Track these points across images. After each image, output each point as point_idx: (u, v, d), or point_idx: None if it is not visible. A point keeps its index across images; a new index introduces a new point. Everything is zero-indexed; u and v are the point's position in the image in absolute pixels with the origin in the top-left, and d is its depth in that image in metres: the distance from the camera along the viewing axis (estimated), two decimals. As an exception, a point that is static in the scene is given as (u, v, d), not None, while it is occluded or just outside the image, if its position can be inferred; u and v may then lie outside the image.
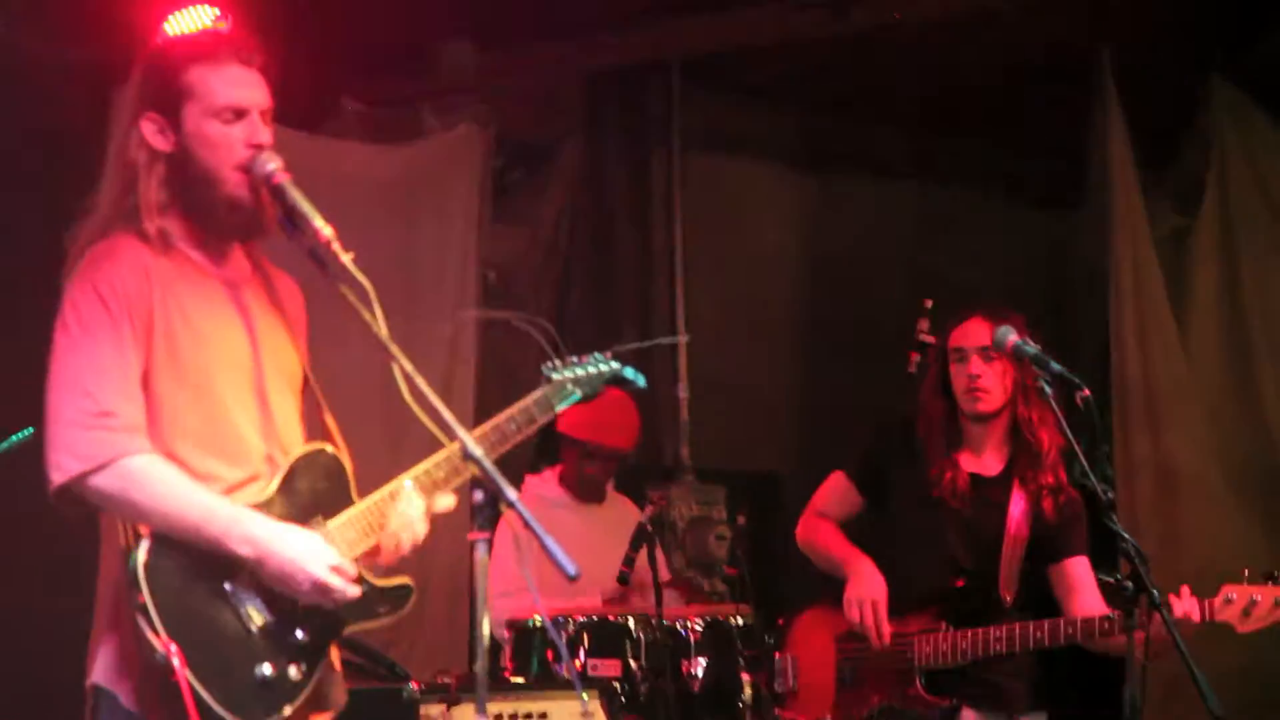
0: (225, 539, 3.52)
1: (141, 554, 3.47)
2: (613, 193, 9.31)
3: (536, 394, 4.06)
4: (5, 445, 5.51)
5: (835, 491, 5.85)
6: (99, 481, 3.48)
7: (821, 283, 9.74)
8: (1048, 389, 4.72)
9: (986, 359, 5.46)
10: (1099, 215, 8.25)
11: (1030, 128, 9.43)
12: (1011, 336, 4.88)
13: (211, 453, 3.67)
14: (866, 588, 5.48)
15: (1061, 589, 5.52)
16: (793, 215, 9.87)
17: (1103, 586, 5.41)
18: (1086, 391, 4.51)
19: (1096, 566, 5.45)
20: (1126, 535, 4.41)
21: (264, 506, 3.64)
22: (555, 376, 4.10)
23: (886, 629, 5.43)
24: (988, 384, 5.47)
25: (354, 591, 3.61)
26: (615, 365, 4.18)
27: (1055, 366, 4.68)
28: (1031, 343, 4.84)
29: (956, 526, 5.51)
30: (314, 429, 3.89)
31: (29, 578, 6.42)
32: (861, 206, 9.87)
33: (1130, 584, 4.61)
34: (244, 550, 3.53)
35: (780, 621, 5.82)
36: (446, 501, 3.81)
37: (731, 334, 9.40)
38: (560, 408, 4.08)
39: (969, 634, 5.32)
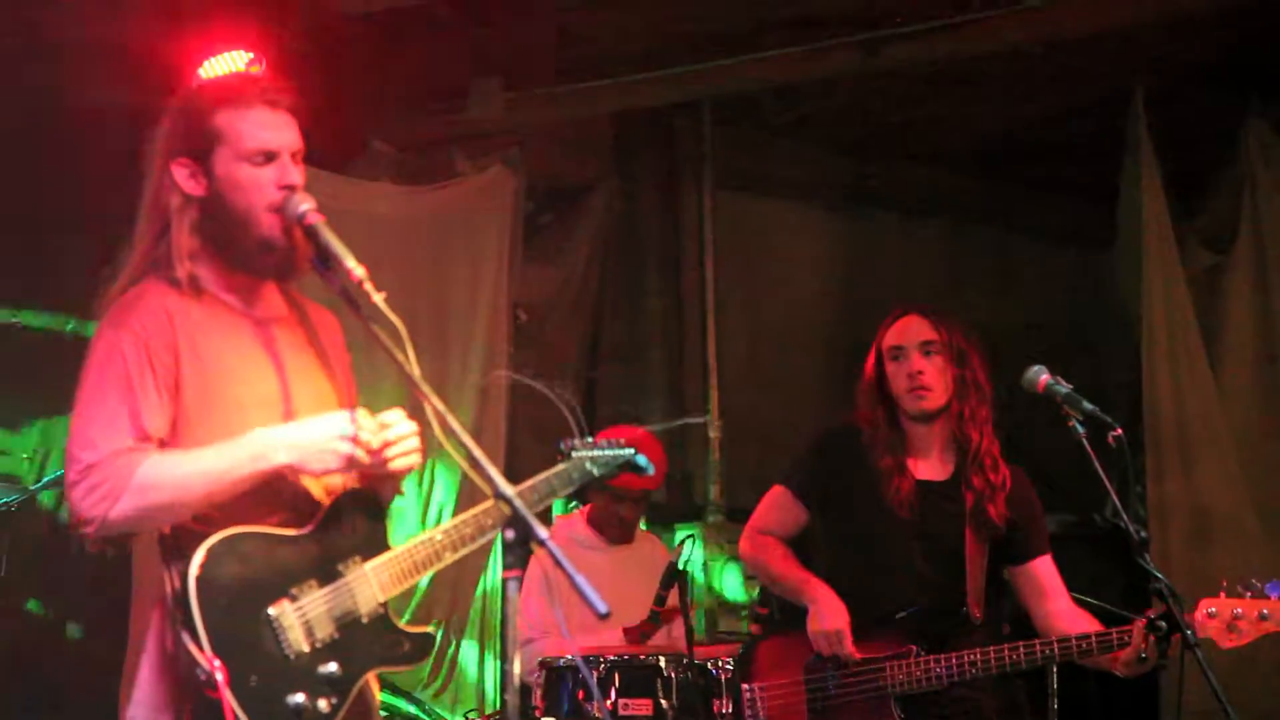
0: (260, 461, 3.59)
1: (195, 568, 3.50)
2: (643, 233, 9.33)
3: (558, 469, 4.10)
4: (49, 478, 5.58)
5: (776, 507, 5.58)
6: (122, 509, 3.53)
7: (853, 322, 9.73)
8: (1079, 429, 4.67)
9: (926, 354, 5.32)
10: (1131, 254, 8.25)
11: (1062, 166, 9.44)
12: (1043, 376, 4.83)
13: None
14: (828, 618, 5.22)
15: (1030, 592, 5.35)
16: (823, 254, 9.89)
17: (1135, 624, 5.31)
18: (1119, 430, 4.49)
19: (1129, 606, 5.38)
20: (1160, 575, 4.39)
21: (305, 538, 3.67)
22: (575, 455, 4.15)
23: (851, 655, 5.18)
24: (930, 380, 5.29)
25: (376, 444, 3.68)
26: (630, 452, 4.23)
27: (1087, 406, 4.66)
28: (1063, 381, 4.80)
29: (914, 538, 5.29)
30: None
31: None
32: (892, 245, 9.89)
33: (1164, 624, 4.59)
34: (282, 457, 3.60)
35: (739, 653, 5.61)
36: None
37: (762, 373, 9.40)
38: (578, 485, 4.15)
39: (943, 659, 5.10)
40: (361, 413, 3.71)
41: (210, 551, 3.53)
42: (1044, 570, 5.35)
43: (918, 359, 5.32)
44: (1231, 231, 8.31)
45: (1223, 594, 4.82)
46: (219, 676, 3.41)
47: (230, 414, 3.69)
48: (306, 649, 3.59)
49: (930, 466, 5.39)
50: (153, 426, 3.60)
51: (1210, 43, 7.97)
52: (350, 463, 3.66)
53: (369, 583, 3.71)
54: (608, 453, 4.20)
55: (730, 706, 5.64)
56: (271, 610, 3.57)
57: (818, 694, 5.30)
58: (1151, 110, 8.05)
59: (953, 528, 5.29)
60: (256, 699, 3.49)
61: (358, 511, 3.79)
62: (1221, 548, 7.93)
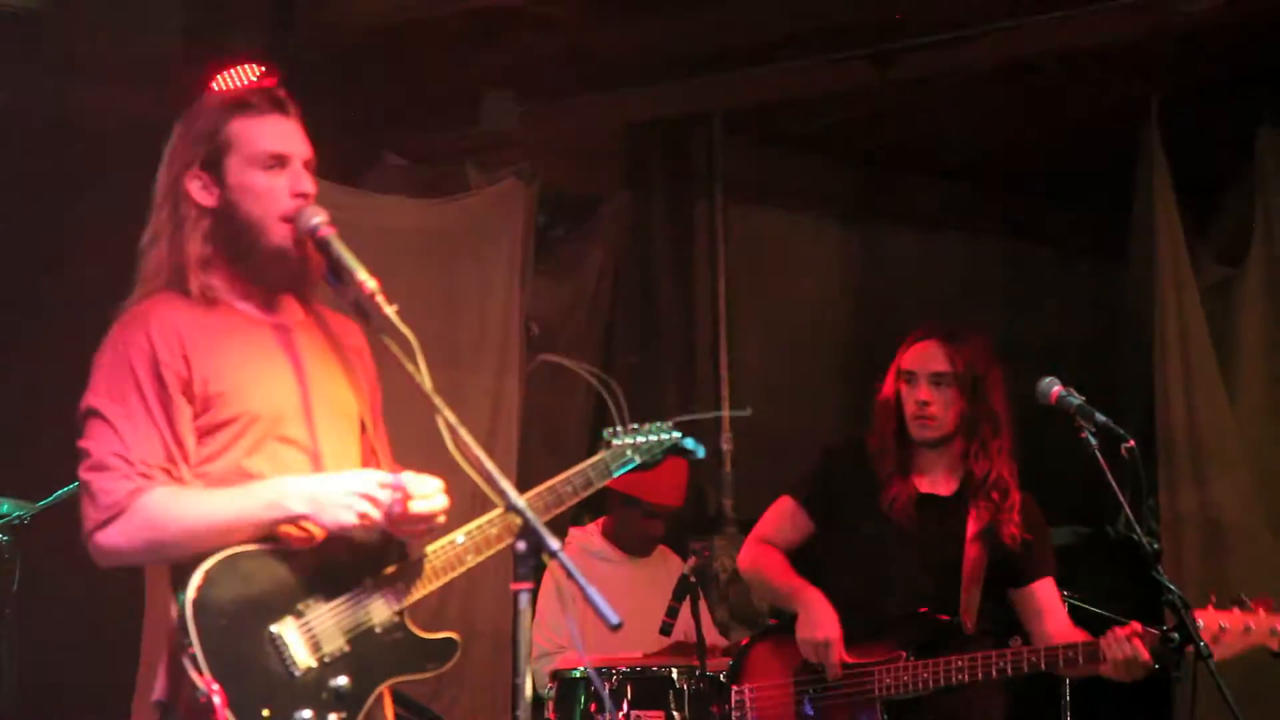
0: (273, 510, 3.56)
1: (191, 591, 3.48)
2: (656, 245, 9.33)
3: (595, 459, 4.05)
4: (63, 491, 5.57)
5: (782, 516, 5.67)
6: (122, 532, 3.51)
7: (866, 334, 9.73)
8: (1092, 440, 4.67)
9: (936, 385, 5.34)
10: (1144, 266, 8.24)
11: (1074, 179, 9.44)
12: (1055, 388, 4.83)
13: None
14: (819, 625, 5.29)
15: (1029, 612, 5.38)
16: (836, 267, 9.88)
17: (1149, 638, 5.32)
18: (1131, 443, 4.49)
19: (1141, 617, 5.38)
20: (1172, 587, 4.39)
21: (317, 549, 3.64)
22: (616, 442, 4.09)
23: (843, 661, 5.25)
24: (936, 411, 5.34)
25: (399, 509, 3.61)
26: (676, 435, 4.15)
27: (1100, 417, 4.66)
28: (1075, 393, 4.80)
29: (913, 550, 5.36)
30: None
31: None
32: (905, 258, 9.88)
33: (1176, 635, 4.59)
34: (297, 508, 3.56)
35: (731, 659, 5.66)
36: None
37: (775, 386, 9.39)
38: (618, 474, 4.08)
39: (929, 664, 5.16)
40: (385, 473, 3.67)
41: (207, 574, 3.51)
42: (1044, 593, 5.38)
43: (926, 389, 5.36)
44: (1244, 244, 8.29)
45: (1210, 607, 4.83)
46: (216, 700, 3.38)
47: (249, 419, 3.67)
48: (314, 664, 3.57)
49: (934, 482, 5.44)
50: (153, 452, 3.57)
51: (1224, 54, 7.95)
52: (366, 521, 3.61)
53: (384, 593, 3.69)
54: (653, 438, 4.12)
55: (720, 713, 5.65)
56: (273, 628, 3.55)
57: (805, 699, 5.34)
58: (1165, 122, 8.04)
59: (952, 541, 5.33)
60: (260, 718, 3.47)
61: None
62: (1234, 560, 7.92)
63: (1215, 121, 8.37)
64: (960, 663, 5.12)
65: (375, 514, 3.60)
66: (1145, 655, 4.84)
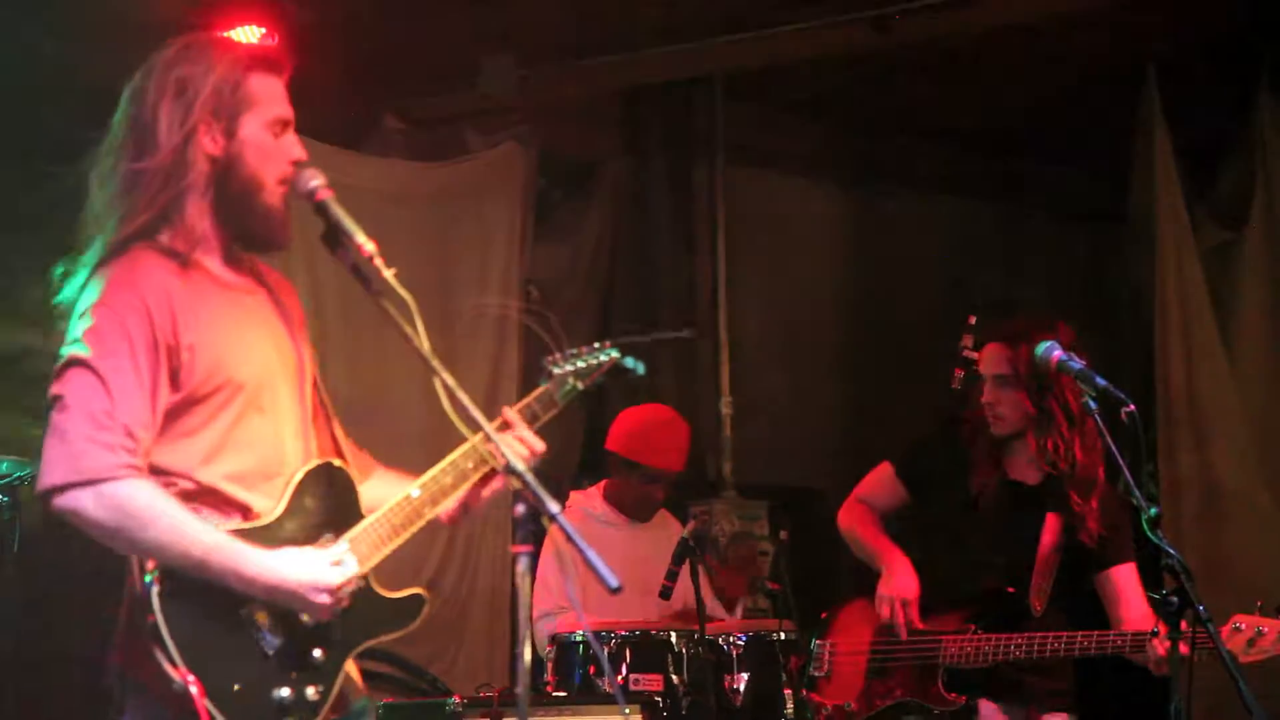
0: (231, 576, 3.47)
1: (155, 585, 3.43)
2: (655, 209, 9.33)
3: (539, 391, 3.96)
4: None
5: (881, 482, 5.91)
6: (91, 505, 3.42)
7: (864, 298, 9.74)
8: (1093, 405, 4.67)
9: (1001, 386, 5.51)
10: (1143, 230, 8.24)
11: (1073, 142, 9.42)
12: (1056, 353, 4.83)
13: (260, 474, 3.66)
14: (898, 585, 5.59)
15: (1107, 598, 5.56)
16: (835, 231, 9.88)
17: (1149, 602, 5.41)
18: (1132, 407, 4.47)
19: (1142, 582, 5.44)
20: (1172, 551, 4.38)
21: (274, 524, 3.59)
22: (557, 371, 4.00)
23: (914, 624, 5.55)
24: (1002, 411, 5.51)
25: (353, 571, 3.58)
26: (614, 354, 4.06)
27: (1100, 381, 4.65)
28: (1076, 358, 4.79)
29: (991, 533, 5.58)
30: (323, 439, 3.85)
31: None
32: (904, 222, 9.88)
33: (1175, 599, 4.59)
34: (255, 585, 3.48)
35: (824, 615, 5.90)
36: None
37: (774, 350, 9.40)
38: (563, 403, 3.99)
39: (991, 637, 5.42)
40: (330, 551, 3.60)
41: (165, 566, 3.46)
42: (1123, 578, 5.54)
43: (991, 389, 5.54)
44: (1244, 207, 8.29)
45: (1257, 613, 5.02)
46: (193, 690, 3.36)
47: (233, 389, 3.62)
48: (285, 641, 3.55)
49: (1020, 469, 5.62)
50: (137, 418, 3.48)
51: (1222, 16, 7.93)
52: (323, 614, 3.56)
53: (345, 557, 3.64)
54: (592, 360, 4.03)
55: (741, 683, 5.81)
56: (242, 610, 3.51)
57: (878, 657, 5.64)
58: (1163, 85, 8.03)
59: (1029, 528, 5.53)
60: (238, 702, 3.45)
61: (323, 487, 3.70)
62: (1233, 524, 7.94)
63: (1215, 84, 8.35)
64: (1018, 640, 5.36)
65: (334, 608, 3.55)
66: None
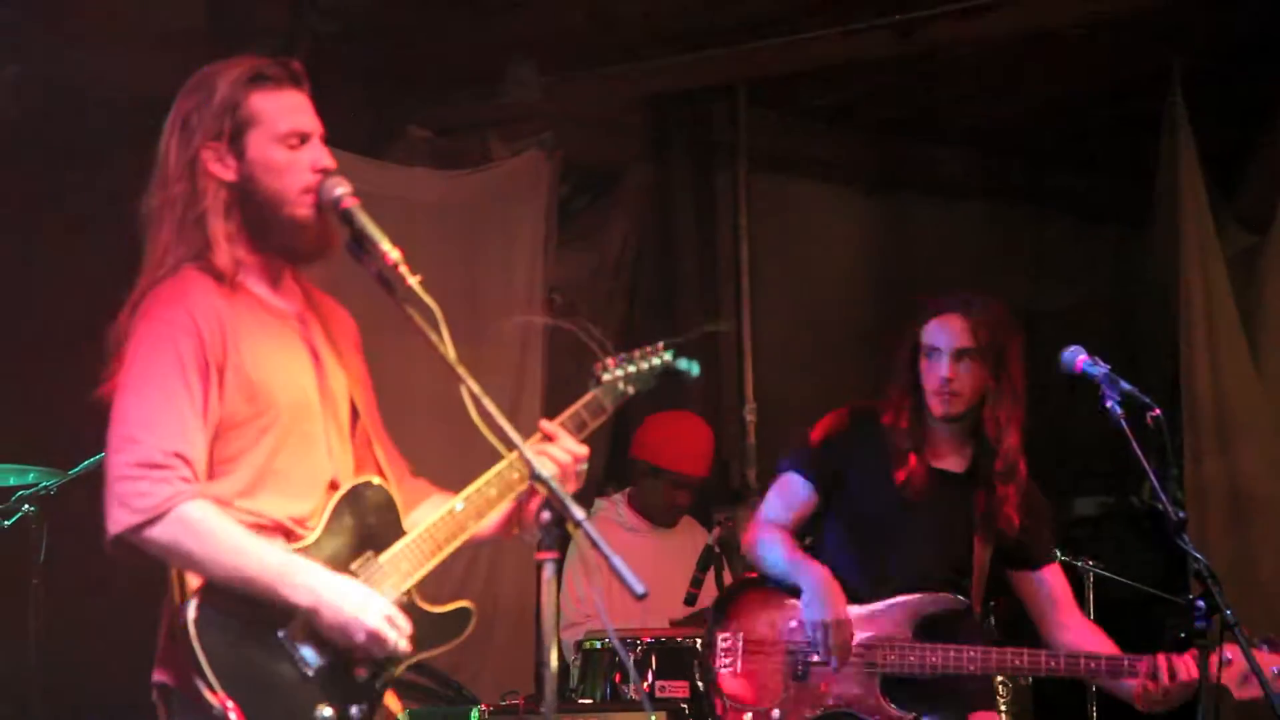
0: (280, 587, 3.48)
1: (191, 611, 3.44)
2: (678, 216, 9.33)
3: (588, 397, 3.89)
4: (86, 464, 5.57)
5: (787, 494, 5.43)
6: (153, 533, 3.43)
7: (888, 304, 9.72)
8: (1116, 409, 4.64)
9: (959, 360, 5.18)
10: (1168, 233, 8.21)
11: (1097, 146, 9.41)
12: (1080, 357, 4.79)
13: (300, 496, 3.66)
14: (826, 609, 5.13)
15: (1041, 599, 5.33)
16: (859, 237, 9.87)
17: (1174, 607, 5.34)
18: (1157, 411, 4.46)
19: (1168, 588, 5.38)
20: (1199, 556, 4.37)
21: (313, 546, 3.59)
22: (607, 377, 3.91)
23: (846, 651, 5.13)
24: (960, 387, 5.19)
25: (405, 646, 3.56)
26: (668, 356, 3.99)
27: (1125, 385, 4.63)
28: (1100, 362, 4.77)
29: (924, 523, 5.25)
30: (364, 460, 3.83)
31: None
32: (928, 227, 9.86)
33: (1202, 604, 4.58)
34: (300, 598, 3.49)
35: (716, 603, 5.53)
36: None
37: (798, 356, 9.39)
38: (613, 408, 3.92)
39: (938, 650, 5.12)
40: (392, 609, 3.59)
41: (204, 590, 3.47)
42: (1054, 579, 5.35)
43: (950, 365, 5.21)
44: (1269, 211, 8.26)
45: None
46: (232, 717, 3.37)
47: (276, 413, 3.62)
48: (325, 661, 3.54)
49: (947, 457, 5.35)
50: (191, 444, 3.50)
51: (1248, 19, 7.91)
52: (359, 648, 3.54)
53: (386, 575, 3.63)
54: (644, 365, 3.95)
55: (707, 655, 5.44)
56: (280, 632, 3.51)
57: (798, 657, 5.23)
58: (1189, 89, 8.01)
59: (964, 518, 5.28)
60: None
61: (363, 505, 3.70)
62: (1259, 529, 7.91)
63: (1240, 87, 8.33)
64: (973, 654, 5.10)
65: (371, 647, 3.53)
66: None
